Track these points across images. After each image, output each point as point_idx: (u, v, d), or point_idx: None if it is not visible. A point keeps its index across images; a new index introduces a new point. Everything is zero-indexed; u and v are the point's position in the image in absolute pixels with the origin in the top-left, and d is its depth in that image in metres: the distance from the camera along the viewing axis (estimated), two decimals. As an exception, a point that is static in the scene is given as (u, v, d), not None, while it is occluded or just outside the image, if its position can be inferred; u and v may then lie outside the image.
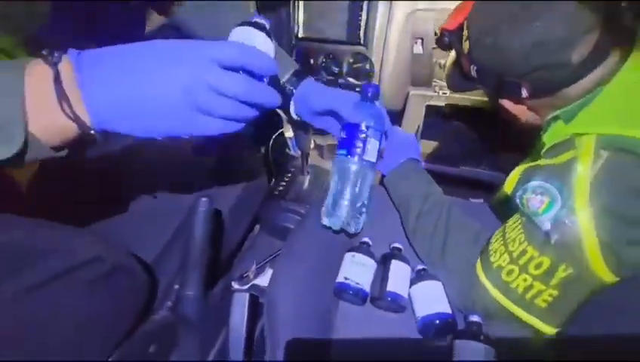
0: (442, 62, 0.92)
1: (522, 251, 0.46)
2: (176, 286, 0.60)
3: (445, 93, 0.97)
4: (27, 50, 0.46)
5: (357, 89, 0.94)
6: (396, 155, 0.66)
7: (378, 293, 0.54)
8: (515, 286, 0.47)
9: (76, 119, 0.31)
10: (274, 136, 0.97)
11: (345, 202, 0.54)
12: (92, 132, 0.32)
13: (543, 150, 0.49)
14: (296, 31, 0.92)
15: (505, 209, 0.54)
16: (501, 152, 1.10)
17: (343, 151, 0.55)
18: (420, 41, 0.91)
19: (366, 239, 0.56)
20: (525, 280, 0.46)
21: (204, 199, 0.51)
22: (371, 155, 0.54)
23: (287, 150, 0.96)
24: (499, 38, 0.49)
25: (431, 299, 0.53)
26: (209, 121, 0.32)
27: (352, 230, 0.56)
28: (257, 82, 0.34)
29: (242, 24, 0.41)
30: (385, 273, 0.55)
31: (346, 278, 0.54)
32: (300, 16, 0.91)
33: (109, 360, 0.45)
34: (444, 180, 0.67)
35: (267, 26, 0.41)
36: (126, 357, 0.47)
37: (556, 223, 0.43)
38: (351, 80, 0.93)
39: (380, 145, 0.55)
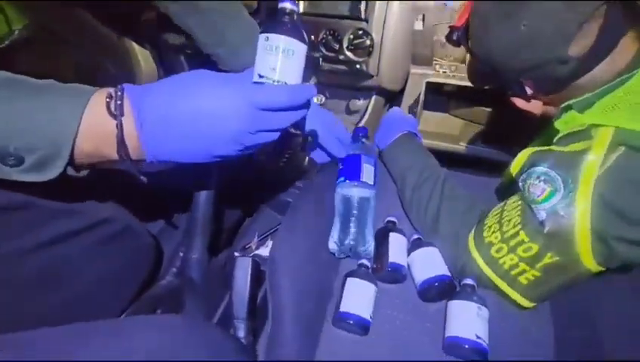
0: (442, 40, 0.92)
1: (514, 233, 0.46)
2: (181, 253, 0.63)
3: (445, 72, 0.97)
4: None
5: (357, 65, 0.95)
6: (393, 130, 0.68)
7: (380, 266, 0.56)
8: (502, 262, 0.48)
9: (129, 158, 0.33)
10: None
11: (351, 230, 0.56)
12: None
13: (556, 137, 0.47)
14: (297, 5, 0.91)
15: (508, 190, 0.54)
16: (506, 133, 1.11)
17: (342, 178, 0.60)
18: (420, 17, 0.90)
19: (365, 261, 0.55)
20: (512, 259, 0.47)
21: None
22: (368, 178, 0.60)
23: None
24: (491, 37, 0.48)
25: (429, 264, 0.55)
26: (253, 139, 0.35)
27: (360, 256, 0.57)
28: (299, 89, 0.37)
29: (278, 26, 0.38)
30: (384, 246, 0.56)
31: (346, 310, 0.51)
32: (301, -10, 0.90)
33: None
34: (445, 159, 0.68)
35: (295, 9, 0.39)
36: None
37: (552, 214, 0.43)
38: (350, 55, 0.93)
39: (374, 171, 0.62)
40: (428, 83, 0.98)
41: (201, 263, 0.55)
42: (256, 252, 0.72)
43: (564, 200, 0.42)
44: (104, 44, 1.08)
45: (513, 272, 0.48)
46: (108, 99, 0.32)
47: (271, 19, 0.40)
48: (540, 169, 0.44)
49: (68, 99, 0.31)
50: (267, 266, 0.63)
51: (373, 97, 1.12)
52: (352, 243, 0.56)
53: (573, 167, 0.42)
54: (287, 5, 0.39)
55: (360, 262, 0.55)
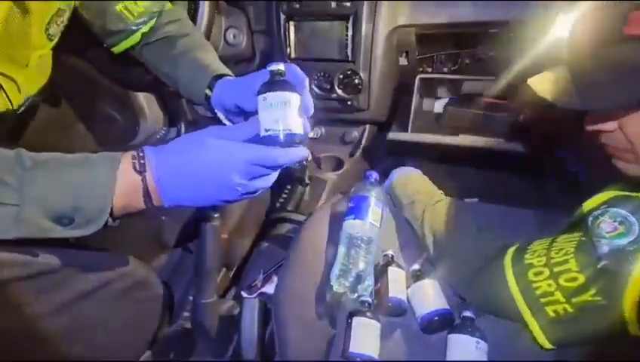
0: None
1: (563, 261, 0.45)
2: (191, 297, 0.66)
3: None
4: None
5: (348, 102, 1.00)
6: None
7: (381, 301, 0.58)
8: (536, 286, 0.47)
9: (153, 206, 0.41)
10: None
11: (353, 267, 0.59)
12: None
13: None
14: (288, 52, 0.98)
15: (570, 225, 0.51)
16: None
17: (351, 216, 0.63)
18: (404, 53, 0.96)
19: (366, 298, 0.57)
20: (550, 285, 0.45)
21: (215, 215, 0.57)
22: (376, 220, 0.63)
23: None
24: None
25: (429, 297, 0.57)
26: (249, 186, 0.42)
27: (360, 294, 0.58)
28: (292, 152, 0.43)
29: (271, 85, 0.45)
30: (384, 281, 0.59)
31: (356, 351, 0.53)
32: (291, 37, 0.97)
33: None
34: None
35: (282, 68, 0.46)
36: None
37: (614, 251, 0.42)
38: (341, 93, 0.98)
39: (382, 214, 0.65)
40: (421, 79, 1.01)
41: (211, 307, 0.58)
42: (262, 290, 0.74)
43: (633, 245, 0.41)
44: (110, 94, 1.15)
45: (543, 300, 0.46)
46: (133, 160, 0.39)
47: (264, 83, 0.46)
48: (619, 211, 0.44)
49: (103, 166, 0.39)
50: (272, 305, 0.66)
51: (367, 127, 1.18)
52: (352, 280, 0.59)
53: None
54: (274, 67, 0.45)
55: (362, 299, 0.58)
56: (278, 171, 0.44)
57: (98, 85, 1.07)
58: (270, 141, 0.42)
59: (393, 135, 1.03)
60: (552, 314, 0.46)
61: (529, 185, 1.22)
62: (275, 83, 0.45)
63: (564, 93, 0.51)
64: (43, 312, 0.43)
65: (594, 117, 0.49)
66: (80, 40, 0.68)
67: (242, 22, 0.96)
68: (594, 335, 0.45)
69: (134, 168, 0.39)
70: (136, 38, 0.64)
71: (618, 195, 0.46)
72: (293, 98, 0.44)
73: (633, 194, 0.45)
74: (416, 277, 0.60)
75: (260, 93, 0.45)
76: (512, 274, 0.49)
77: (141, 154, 0.39)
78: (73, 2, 0.60)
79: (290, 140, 0.43)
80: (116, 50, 0.66)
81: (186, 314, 0.65)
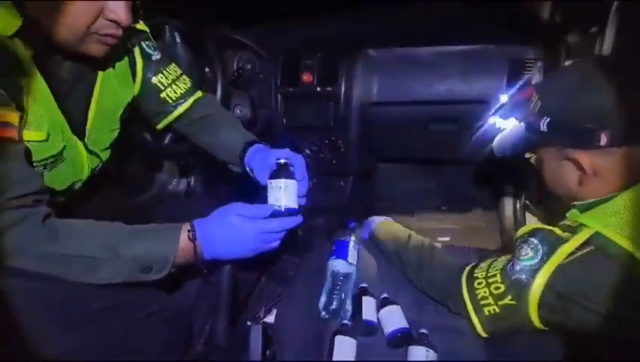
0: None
1: (493, 274, 0.64)
2: (208, 327, 0.82)
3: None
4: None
5: (333, 161, 1.22)
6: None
7: (357, 323, 0.75)
8: (477, 292, 0.66)
9: (198, 260, 0.62)
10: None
11: (336, 297, 0.77)
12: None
13: (562, 222, 0.62)
14: (284, 122, 1.21)
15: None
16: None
17: (334, 257, 0.83)
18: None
19: (346, 321, 0.74)
20: (485, 291, 0.65)
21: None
22: (353, 259, 0.83)
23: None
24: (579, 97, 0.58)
25: (393, 319, 0.74)
26: (266, 247, 0.65)
27: (342, 318, 0.76)
28: (287, 220, 0.65)
29: (275, 173, 0.68)
30: (359, 307, 0.77)
31: (337, 359, 0.69)
32: (284, 110, 1.20)
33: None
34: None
35: (288, 161, 0.70)
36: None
37: (522, 270, 0.60)
38: (327, 154, 1.21)
39: (358, 254, 0.86)
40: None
41: (226, 332, 0.74)
42: (265, 320, 0.91)
43: (535, 266, 0.59)
44: (137, 158, 1.35)
45: (482, 302, 0.65)
46: (188, 233, 0.60)
47: (272, 170, 0.69)
48: (534, 240, 0.61)
49: (171, 234, 0.60)
50: (273, 331, 0.82)
51: (351, 178, 1.39)
52: (335, 307, 0.76)
53: (553, 249, 0.58)
54: (281, 160, 0.69)
55: (343, 322, 0.75)
56: (282, 236, 0.66)
57: (129, 151, 1.27)
58: (276, 213, 0.64)
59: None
60: (487, 312, 0.65)
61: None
62: (279, 171, 0.68)
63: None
64: (110, 339, 0.59)
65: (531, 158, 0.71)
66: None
67: (247, 100, 1.19)
68: (514, 328, 0.63)
69: (189, 238, 0.60)
70: (174, 115, 0.85)
71: (537, 227, 0.63)
72: (290, 184, 0.67)
73: (547, 227, 0.62)
74: (384, 303, 0.77)
75: (269, 178, 0.68)
76: (465, 283, 0.69)
77: (193, 227, 0.61)
78: (133, 94, 0.80)
79: (288, 213, 0.65)
80: (159, 126, 0.88)
81: (203, 340, 0.80)
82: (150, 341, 0.65)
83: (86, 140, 0.72)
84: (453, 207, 1.52)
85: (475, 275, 0.68)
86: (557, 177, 0.66)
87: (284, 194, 0.66)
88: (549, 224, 0.64)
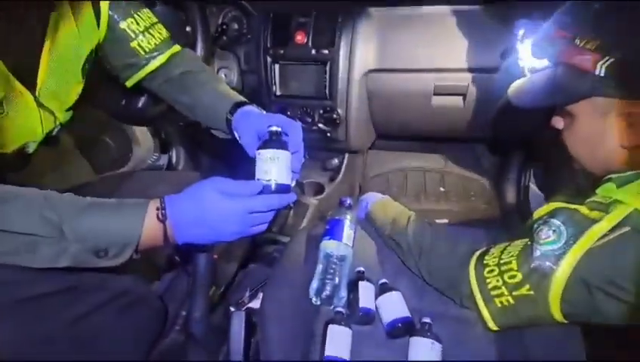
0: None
1: (508, 261, 0.56)
2: (184, 313, 0.73)
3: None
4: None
5: (327, 134, 1.12)
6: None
7: (353, 311, 0.67)
8: (488, 281, 0.58)
9: (168, 244, 0.51)
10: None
11: (329, 282, 0.68)
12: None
13: (589, 199, 0.54)
14: (274, 90, 1.09)
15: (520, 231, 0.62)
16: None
17: (327, 237, 0.73)
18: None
19: (340, 309, 0.65)
20: (497, 281, 0.56)
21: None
22: (349, 240, 0.73)
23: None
24: None
25: (393, 307, 0.66)
26: (251, 230, 0.53)
27: (336, 305, 0.68)
28: (277, 198, 0.54)
29: (266, 143, 0.57)
30: (355, 294, 0.68)
31: (330, 354, 0.60)
32: (276, 77, 1.09)
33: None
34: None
35: (280, 130, 0.58)
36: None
37: (544, 255, 0.51)
38: (322, 127, 1.10)
39: (354, 235, 0.75)
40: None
41: (202, 320, 0.66)
42: (249, 305, 0.82)
43: (559, 251, 0.50)
44: (107, 125, 1.23)
45: (493, 292, 0.57)
46: (157, 211, 0.49)
47: (263, 140, 0.58)
48: (556, 221, 0.53)
49: (134, 211, 0.49)
50: (258, 318, 0.73)
51: (346, 155, 1.29)
52: (328, 293, 0.68)
53: (581, 230, 0.50)
54: (272, 128, 0.57)
55: (336, 309, 0.66)
56: (271, 217, 0.55)
57: (97, 117, 1.15)
58: (264, 190, 0.54)
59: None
60: (498, 304, 0.57)
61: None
62: (270, 142, 0.57)
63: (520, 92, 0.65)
64: (58, 326, 0.50)
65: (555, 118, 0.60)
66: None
67: (233, 63, 1.07)
68: (529, 321, 0.55)
69: (157, 217, 0.49)
70: (146, 71, 0.73)
71: (558, 206, 0.55)
72: (282, 155, 0.56)
73: (571, 206, 0.54)
74: (384, 289, 0.69)
75: (257, 148, 0.57)
76: (474, 271, 0.60)
77: (163, 205, 0.50)
78: (98, 40, 0.68)
79: (278, 189, 0.55)
80: (129, 83, 0.75)
81: (178, 327, 0.71)
82: (110, 329, 0.55)
83: (38, 92, 0.60)
84: (452, 187, 1.45)
85: (485, 262, 0.60)
86: (594, 140, 0.57)
87: (275, 167, 0.55)
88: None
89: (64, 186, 0.57)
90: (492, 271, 0.58)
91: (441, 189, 1.46)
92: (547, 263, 0.52)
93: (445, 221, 1.34)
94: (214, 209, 0.50)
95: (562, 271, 0.50)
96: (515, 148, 1.29)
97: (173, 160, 1.47)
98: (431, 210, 1.38)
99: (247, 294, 0.87)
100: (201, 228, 0.51)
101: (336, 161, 1.28)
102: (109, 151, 1.35)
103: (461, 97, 1.02)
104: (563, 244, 0.51)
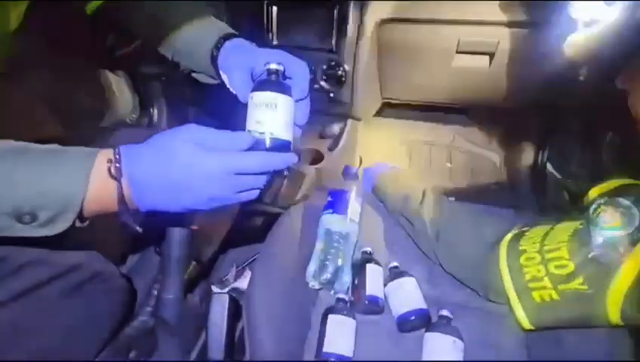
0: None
1: (555, 248, 0.46)
2: (155, 291, 0.61)
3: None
4: None
5: (330, 94, 0.98)
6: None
7: (358, 298, 0.56)
8: (525, 271, 0.47)
9: (127, 210, 0.37)
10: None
11: (330, 263, 0.57)
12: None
13: None
14: (270, 38, 0.94)
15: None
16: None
17: (329, 211, 0.61)
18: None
19: (342, 296, 0.56)
20: (539, 271, 0.46)
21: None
22: (355, 215, 0.61)
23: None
24: None
25: (406, 296, 0.56)
26: (237, 197, 0.40)
27: (337, 291, 0.57)
28: (272, 157, 0.40)
29: (262, 84, 0.43)
30: (361, 278, 0.57)
31: (329, 351, 0.51)
32: (274, 23, 0.93)
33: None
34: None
35: (282, 69, 0.44)
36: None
37: (608, 243, 0.42)
38: (324, 85, 0.96)
39: (360, 209, 0.63)
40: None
41: (176, 303, 0.54)
42: (234, 285, 0.71)
43: (629, 238, 0.41)
44: (78, 73, 1.06)
45: (531, 285, 0.47)
46: (108, 164, 0.36)
47: (259, 79, 0.44)
48: (624, 201, 0.43)
49: (76, 162, 0.36)
50: (244, 301, 0.62)
51: (349, 121, 1.15)
52: (329, 276, 0.57)
53: None
54: (273, 66, 0.43)
55: (338, 296, 0.56)
56: (263, 183, 0.41)
57: (61, 58, 0.98)
58: (256, 146, 0.40)
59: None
60: (537, 298, 0.47)
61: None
62: (267, 82, 0.43)
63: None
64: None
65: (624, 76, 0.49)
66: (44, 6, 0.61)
67: (220, 5, 0.91)
68: (574, 322, 0.46)
69: (109, 172, 0.36)
70: None
71: (626, 183, 0.46)
72: (283, 101, 0.42)
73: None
74: (394, 274, 0.58)
75: (252, 90, 0.43)
76: (505, 258, 0.50)
77: (117, 157, 0.36)
78: None
79: (275, 145, 0.41)
80: (89, 8, 0.58)
81: (149, 309, 0.60)
82: (54, 311, 0.43)
83: None
84: (459, 164, 1.34)
85: (521, 248, 0.49)
86: None
87: (272, 116, 0.42)
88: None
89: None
90: (531, 258, 0.48)
91: (448, 165, 1.35)
92: (611, 252, 0.41)
93: (452, 199, 1.24)
94: (187, 165, 0.37)
95: (632, 264, 0.40)
96: (532, 117, 1.17)
97: (155, 118, 1.31)
98: (436, 187, 1.27)
99: (233, 271, 0.76)
100: (169, 191, 0.38)
101: (336, 127, 1.15)
102: (77, 103, 1.19)
103: (487, 57, 0.88)
104: (634, 231, 0.41)
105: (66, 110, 1.02)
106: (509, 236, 0.52)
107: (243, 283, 0.74)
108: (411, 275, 0.58)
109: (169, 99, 1.27)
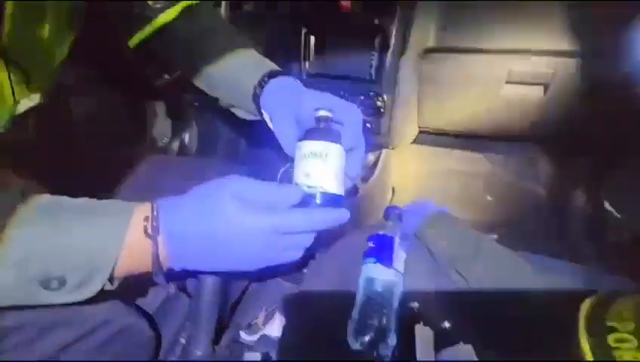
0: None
1: None
2: (182, 340, 0.57)
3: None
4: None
5: (367, 124, 0.93)
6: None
7: None
8: (618, 354, 0.39)
9: (160, 270, 0.35)
10: (281, 171, 0.95)
11: (374, 321, 0.51)
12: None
13: None
14: (307, 67, 0.91)
15: None
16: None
17: (372, 259, 0.55)
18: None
19: (387, 357, 0.50)
20: (636, 357, 0.38)
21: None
22: (400, 266, 0.55)
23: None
24: None
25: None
26: (280, 258, 0.37)
27: (382, 356, 0.51)
28: (323, 214, 0.37)
29: (311, 133, 0.40)
30: (407, 340, 0.50)
31: None
32: (311, 52, 0.90)
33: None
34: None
35: (329, 115, 0.41)
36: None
37: None
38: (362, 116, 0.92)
39: (405, 257, 0.58)
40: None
41: (205, 359, 0.50)
42: (264, 332, 0.66)
43: None
44: (117, 100, 1.07)
45: None
46: (145, 222, 0.33)
47: (308, 128, 0.41)
48: None
49: (111, 221, 0.33)
50: (277, 354, 0.57)
51: (383, 151, 1.10)
52: (371, 336, 0.51)
53: None
54: (322, 113, 0.40)
55: (383, 359, 0.49)
56: (311, 241, 0.38)
57: (103, 89, 1.00)
58: (306, 200, 0.37)
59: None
60: None
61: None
62: (317, 131, 0.40)
63: None
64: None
65: None
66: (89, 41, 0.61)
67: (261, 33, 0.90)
68: None
69: (145, 231, 0.33)
70: (153, 26, 0.55)
71: None
72: (335, 151, 0.38)
73: None
74: (447, 339, 0.51)
75: (300, 139, 0.40)
76: (587, 335, 0.41)
77: (155, 214, 0.33)
78: None
79: (326, 201, 0.38)
80: (133, 42, 0.58)
81: (174, 359, 0.56)
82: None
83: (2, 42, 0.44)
84: (501, 198, 1.25)
85: (608, 324, 0.41)
86: None
87: (324, 167, 0.38)
88: None
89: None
90: (625, 340, 0.40)
91: (488, 198, 1.27)
92: None
93: (494, 236, 1.15)
94: (231, 223, 0.33)
95: None
96: (585, 149, 1.08)
97: (186, 142, 1.32)
98: (475, 223, 1.19)
99: (262, 314, 0.71)
100: (208, 252, 0.34)
101: (371, 157, 1.10)
102: (115, 128, 1.21)
103: (541, 87, 0.81)
104: None
105: (103, 135, 1.03)
106: (586, 305, 0.44)
107: (273, 329, 0.68)
108: (468, 341, 0.50)
109: (200, 125, 1.28)
